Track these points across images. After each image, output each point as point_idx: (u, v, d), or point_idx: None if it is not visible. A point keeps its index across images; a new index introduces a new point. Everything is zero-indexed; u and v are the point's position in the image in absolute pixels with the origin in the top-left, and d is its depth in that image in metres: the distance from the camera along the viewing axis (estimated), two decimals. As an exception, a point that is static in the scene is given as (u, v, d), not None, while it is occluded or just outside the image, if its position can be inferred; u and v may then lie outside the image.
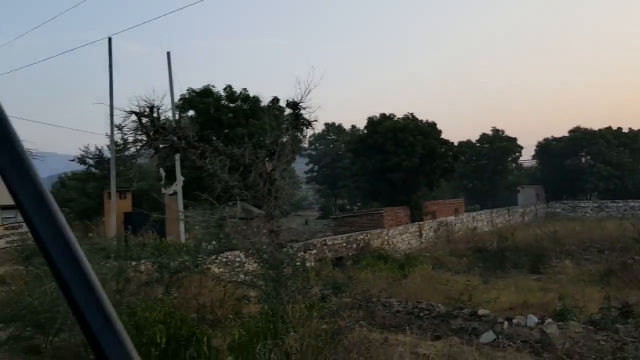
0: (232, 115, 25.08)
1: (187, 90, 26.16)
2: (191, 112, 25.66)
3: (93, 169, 33.52)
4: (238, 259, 11.90)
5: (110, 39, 19.34)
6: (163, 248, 13.41)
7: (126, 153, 30.35)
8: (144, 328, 7.14)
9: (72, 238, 0.62)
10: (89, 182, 31.87)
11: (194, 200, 17.53)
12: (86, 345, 7.19)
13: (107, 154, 30.87)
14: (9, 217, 25.14)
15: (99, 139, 37.10)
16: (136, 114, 7.22)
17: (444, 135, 33.73)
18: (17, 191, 0.63)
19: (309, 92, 7.54)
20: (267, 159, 7.51)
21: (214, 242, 17.97)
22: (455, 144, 36.84)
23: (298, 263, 6.69)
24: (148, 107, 7.72)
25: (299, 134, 7.95)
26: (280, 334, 5.97)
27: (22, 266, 11.82)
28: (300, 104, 7.67)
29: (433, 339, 8.84)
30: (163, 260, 9.89)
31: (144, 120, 7.28)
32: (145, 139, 7.48)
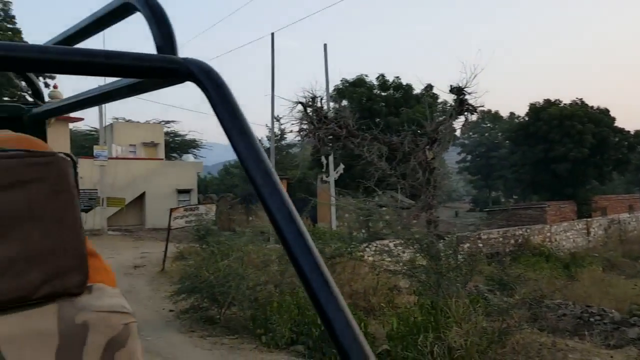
0: (384, 104, 25.12)
1: (341, 80, 26.77)
2: (344, 103, 26.22)
3: (254, 158, 35.96)
4: (387, 248, 11.90)
5: (273, 35, 20.49)
6: (317, 234, 13.91)
7: (283, 142, 32.09)
8: (305, 308, 7.47)
9: (295, 212, 0.69)
10: (250, 169, 34.29)
11: (344, 188, 17.86)
12: (254, 319, 7.73)
13: (266, 143, 32.94)
14: (184, 200, 27.97)
15: (259, 130, 39.70)
16: (302, 104, 7.49)
17: (617, 123, 30.44)
18: (250, 171, 0.70)
19: (475, 76, 7.18)
20: (427, 147, 7.31)
21: (363, 231, 18.23)
22: (632, 132, 32.87)
23: (461, 256, 6.43)
24: (311, 97, 7.97)
25: (464, 120, 7.61)
26: (441, 328, 5.80)
27: (197, 244, 13.11)
28: (465, 89, 7.33)
29: (609, 347, 7.97)
30: (318, 245, 10.24)
31: (308, 110, 7.52)
32: (308, 127, 7.74)
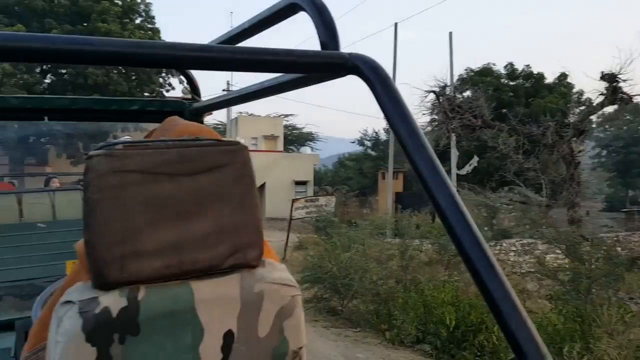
0: (512, 94, 23.71)
1: (465, 70, 25.69)
2: (468, 93, 25.14)
3: (369, 151, 35.93)
4: (513, 248, 11.13)
5: (396, 25, 20.24)
6: (439, 230, 13.41)
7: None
8: (432, 307, 7.18)
9: (458, 198, 0.71)
10: (365, 162, 34.31)
11: (468, 182, 17.03)
12: (377, 313, 7.61)
13: (382, 136, 32.67)
14: (301, 191, 28.66)
15: (376, 123, 39.30)
16: (435, 93, 7.18)
17: None
18: (413, 158, 0.72)
19: (631, 62, 6.39)
20: (574, 138, 6.64)
21: (485, 228, 17.25)
22: None
23: (615, 260, 5.78)
24: (442, 86, 7.63)
25: (616, 107, 6.83)
26: (589, 338, 5.26)
27: (317, 234, 13.30)
28: (618, 76, 6.55)
29: None
30: (444, 241, 9.84)
31: (440, 99, 7.20)
32: (439, 118, 7.41)
